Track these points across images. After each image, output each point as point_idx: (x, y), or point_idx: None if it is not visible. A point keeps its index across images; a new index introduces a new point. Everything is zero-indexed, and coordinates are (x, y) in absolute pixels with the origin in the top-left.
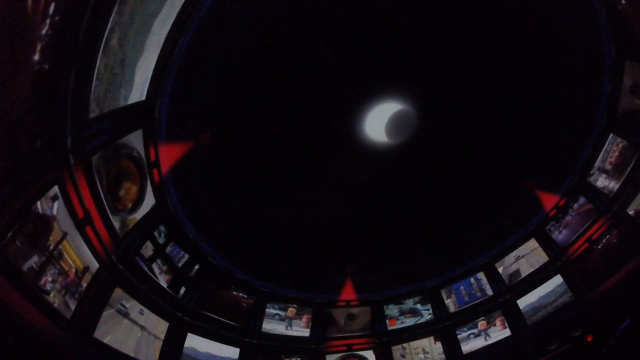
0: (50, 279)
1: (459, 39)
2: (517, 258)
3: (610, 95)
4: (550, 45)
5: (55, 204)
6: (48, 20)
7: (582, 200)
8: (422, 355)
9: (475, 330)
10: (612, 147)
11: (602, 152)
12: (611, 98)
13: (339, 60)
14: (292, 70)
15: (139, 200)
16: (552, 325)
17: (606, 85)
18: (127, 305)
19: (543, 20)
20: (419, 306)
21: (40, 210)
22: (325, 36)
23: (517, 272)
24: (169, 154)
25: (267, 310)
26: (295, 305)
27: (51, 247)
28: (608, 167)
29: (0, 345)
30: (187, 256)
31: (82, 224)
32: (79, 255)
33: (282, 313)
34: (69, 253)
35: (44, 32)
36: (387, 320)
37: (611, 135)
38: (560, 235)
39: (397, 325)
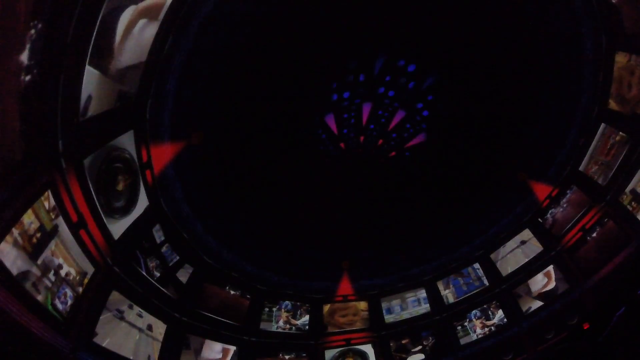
0: (46, 283)
1: (446, 30)
2: (512, 248)
3: (602, 84)
4: (541, 35)
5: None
6: (36, 22)
7: (575, 189)
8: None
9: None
10: (604, 137)
11: (594, 142)
12: (602, 88)
13: (331, 55)
14: (285, 66)
15: (132, 202)
16: (549, 315)
17: (597, 75)
18: (124, 310)
19: (534, 9)
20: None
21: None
22: (318, 32)
23: (512, 262)
24: (161, 155)
25: None
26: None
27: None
28: (600, 156)
29: None
30: (181, 257)
31: (76, 227)
32: (74, 259)
33: None
34: (64, 257)
35: (32, 33)
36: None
37: (603, 125)
38: (554, 225)
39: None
